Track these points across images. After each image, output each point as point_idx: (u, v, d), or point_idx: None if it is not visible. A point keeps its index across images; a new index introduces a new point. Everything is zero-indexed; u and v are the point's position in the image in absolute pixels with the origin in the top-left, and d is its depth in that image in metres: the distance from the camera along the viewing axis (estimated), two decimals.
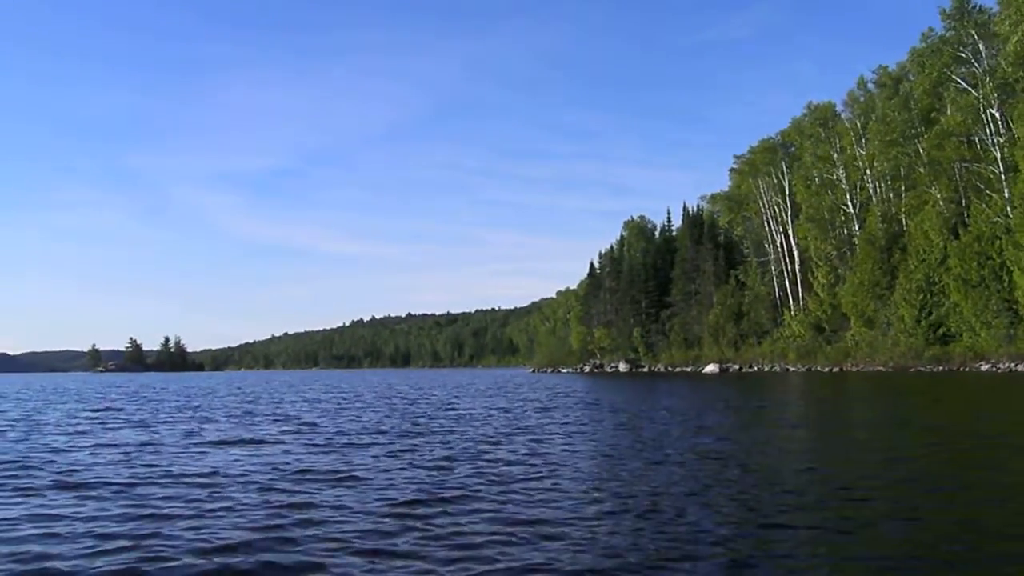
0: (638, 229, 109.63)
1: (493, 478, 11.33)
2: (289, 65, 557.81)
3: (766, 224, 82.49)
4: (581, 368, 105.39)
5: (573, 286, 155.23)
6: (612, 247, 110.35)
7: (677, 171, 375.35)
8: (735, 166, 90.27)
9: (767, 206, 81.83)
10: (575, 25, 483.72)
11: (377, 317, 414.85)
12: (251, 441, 17.28)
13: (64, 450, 15.87)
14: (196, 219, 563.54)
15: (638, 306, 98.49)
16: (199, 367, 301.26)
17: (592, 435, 17.52)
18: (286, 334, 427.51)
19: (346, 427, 20.89)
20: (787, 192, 79.09)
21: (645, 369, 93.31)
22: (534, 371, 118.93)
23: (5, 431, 20.82)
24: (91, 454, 15.13)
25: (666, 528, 7.89)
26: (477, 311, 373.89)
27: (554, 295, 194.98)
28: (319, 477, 11.68)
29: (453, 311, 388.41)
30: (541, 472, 11.85)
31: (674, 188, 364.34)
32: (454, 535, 7.77)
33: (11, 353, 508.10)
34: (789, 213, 78.67)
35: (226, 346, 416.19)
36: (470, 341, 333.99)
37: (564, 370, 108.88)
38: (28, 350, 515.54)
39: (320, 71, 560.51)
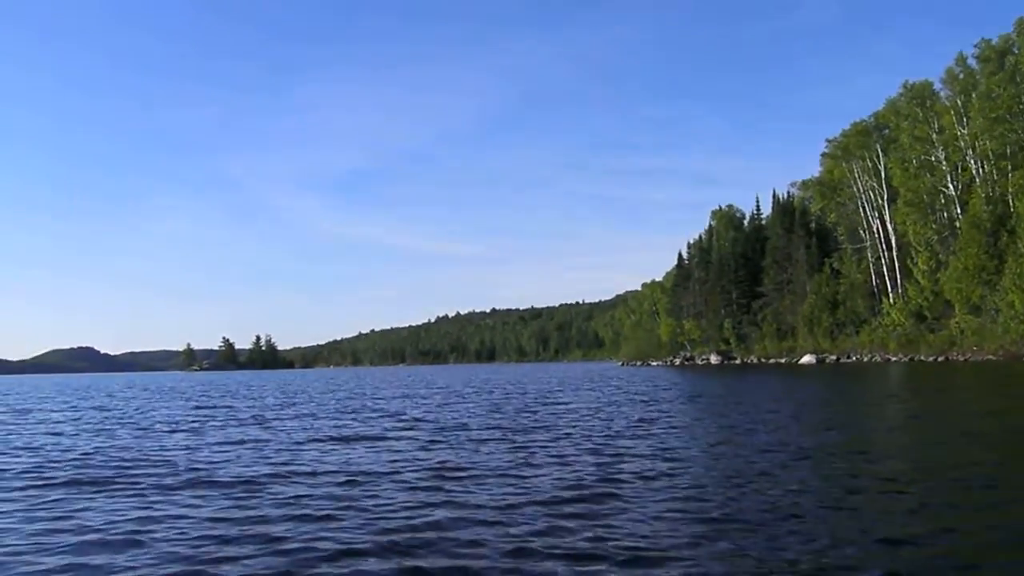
0: (727, 218, 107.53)
1: (632, 474, 11.15)
2: (371, 65, 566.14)
3: (861, 209, 79.86)
4: (671, 361, 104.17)
5: (659, 278, 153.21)
6: (700, 237, 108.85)
7: (764, 159, 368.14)
8: (827, 151, 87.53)
9: (862, 191, 79.25)
10: (657, 13, 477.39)
11: (462, 313, 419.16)
12: (369, 437, 17.50)
13: (189, 448, 16.31)
14: (285, 220, 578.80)
15: (728, 297, 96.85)
16: (289, 365, 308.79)
17: (715, 430, 17.04)
18: (373, 331, 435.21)
19: (457, 422, 21.07)
20: (883, 176, 76.39)
21: (737, 361, 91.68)
22: (623, 364, 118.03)
23: (117, 429, 21.42)
24: (218, 451, 15.50)
25: (846, 527, 7.59)
26: (561, 305, 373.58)
27: (639, 288, 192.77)
28: (458, 474, 11.65)
29: (537, 305, 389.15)
30: (679, 468, 11.63)
31: (760, 176, 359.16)
32: (630, 536, 7.56)
33: (112, 353, 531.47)
34: (885, 197, 76.05)
35: (315, 343, 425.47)
36: (555, 335, 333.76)
37: (654, 363, 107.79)
38: (126, 350, 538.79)
39: (401, 69, 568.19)
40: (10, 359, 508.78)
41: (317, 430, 19.81)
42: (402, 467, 12.46)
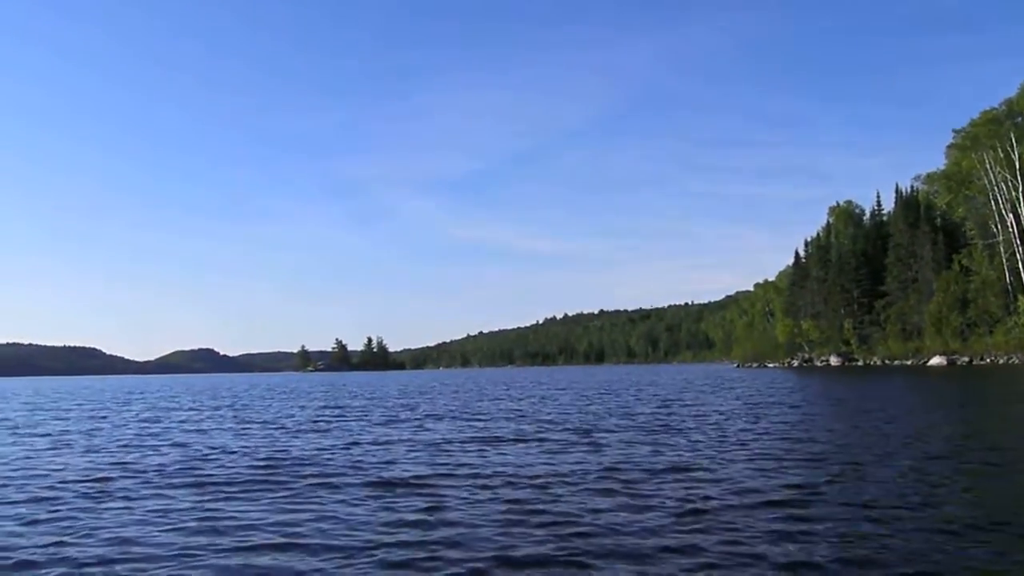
0: (845, 215, 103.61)
1: (829, 477, 11.06)
2: (484, 69, 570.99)
3: (992, 202, 75.89)
4: (788, 362, 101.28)
5: (771, 278, 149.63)
6: (818, 234, 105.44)
7: (881, 153, 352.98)
8: (954, 141, 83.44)
9: (994, 182, 75.27)
10: (766, 9, 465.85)
11: (570, 314, 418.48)
12: (517, 439, 17.54)
13: (342, 447, 16.71)
14: (400, 223, 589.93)
15: (849, 296, 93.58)
16: (400, 366, 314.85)
17: (878, 437, 16.20)
18: (481, 333, 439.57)
19: (596, 423, 21.06)
20: (1017, 166, 72.44)
21: (859, 363, 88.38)
22: (738, 366, 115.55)
23: (252, 430, 21.94)
24: (373, 451, 15.77)
25: None
26: (671, 306, 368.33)
27: (751, 288, 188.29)
28: (637, 475, 11.65)
29: (646, 306, 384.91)
30: (852, 473, 11.34)
31: (878, 172, 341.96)
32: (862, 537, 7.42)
33: (230, 354, 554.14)
34: (1020, 189, 72.11)
35: (424, 345, 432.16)
36: (664, 337, 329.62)
37: (770, 365, 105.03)
38: (244, 351, 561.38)
39: (513, 73, 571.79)
40: (136, 360, 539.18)
41: (462, 431, 20.10)
42: (569, 468, 12.46)
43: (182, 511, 9.80)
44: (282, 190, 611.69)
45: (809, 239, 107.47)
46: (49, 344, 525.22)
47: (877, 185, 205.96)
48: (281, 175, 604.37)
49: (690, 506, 9.29)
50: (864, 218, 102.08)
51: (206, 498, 10.69)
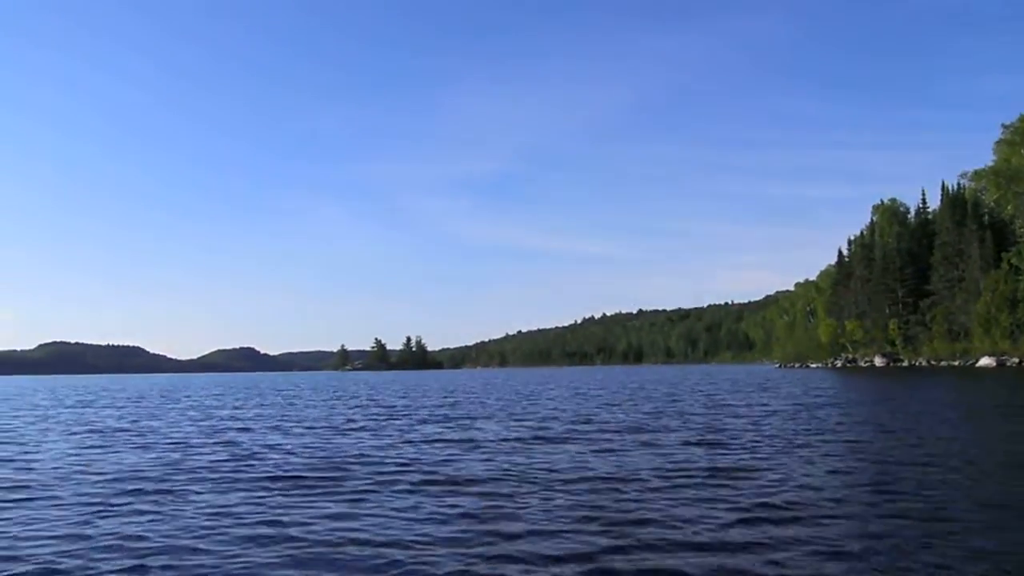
0: (889, 213, 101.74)
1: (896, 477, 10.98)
2: (509, 72, 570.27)
3: None
4: (831, 363, 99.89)
5: (813, 277, 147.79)
6: (862, 233, 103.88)
7: (921, 151, 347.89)
8: (1003, 137, 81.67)
9: None
10: (811, 3, 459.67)
11: (608, 314, 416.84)
12: (568, 438, 17.57)
13: (392, 445, 16.91)
14: (431, 224, 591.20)
15: (893, 296, 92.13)
16: (438, 365, 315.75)
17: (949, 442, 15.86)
18: (520, 332, 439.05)
19: (650, 422, 20.91)
20: None
21: (904, 363, 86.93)
22: (780, 366, 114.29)
23: (304, 428, 22.04)
24: (429, 450, 15.84)
25: None
26: (710, 306, 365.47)
27: (791, 288, 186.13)
28: (701, 475, 11.70)
29: (685, 306, 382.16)
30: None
31: (919, 170, 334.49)
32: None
33: (271, 353, 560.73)
34: None
35: (463, 344, 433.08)
36: (704, 337, 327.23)
37: (812, 365, 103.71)
38: (284, 351, 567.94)
39: (540, 74, 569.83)
40: (179, 358, 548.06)
41: (512, 429, 20.20)
42: (661, 469, 12.35)
43: (251, 507, 10.00)
44: (317, 192, 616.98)
45: (852, 238, 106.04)
46: (95, 343, 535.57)
47: (920, 183, 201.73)
48: (315, 180, 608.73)
49: (761, 502, 9.29)
50: (909, 216, 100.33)
51: (272, 495, 10.80)
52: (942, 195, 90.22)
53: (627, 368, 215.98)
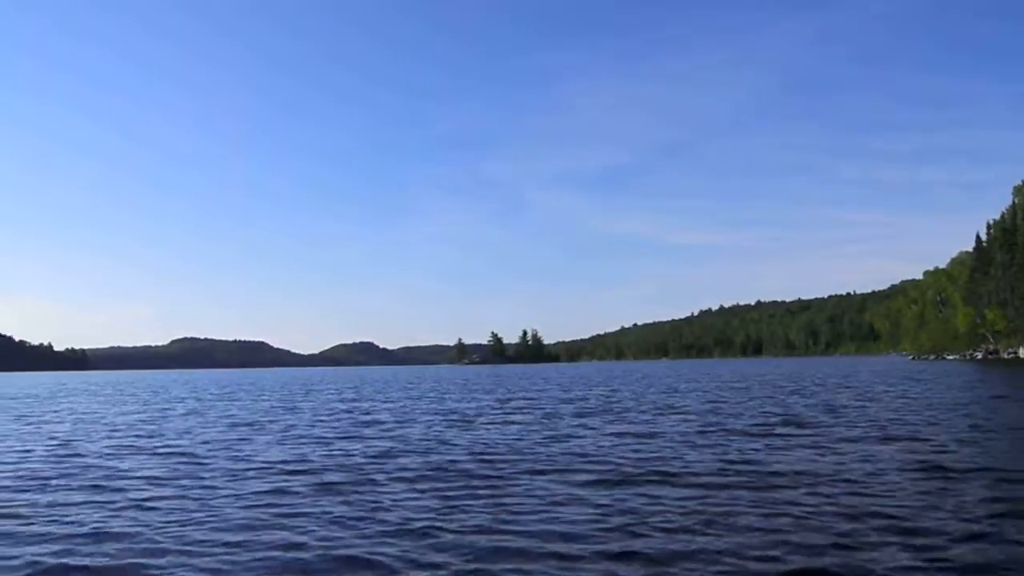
0: None
1: None
2: (625, 63, 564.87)
3: None
4: (970, 355, 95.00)
5: (942, 264, 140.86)
6: (1002, 216, 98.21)
7: None
8: None
9: None
10: None
11: (726, 306, 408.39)
12: (730, 432, 17.53)
13: (541, 440, 17.19)
14: (547, 218, 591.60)
15: None
16: (555, 359, 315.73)
17: None
18: (635, 325, 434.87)
19: (811, 418, 20.55)
20: None
21: None
22: (914, 358, 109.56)
23: (448, 422, 22.26)
24: (577, 444, 16.26)
25: None
26: (831, 296, 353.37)
27: (918, 276, 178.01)
28: (894, 473, 11.39)
29: (805, 297, 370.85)
30: None
31: None
32: None
33: (389, 348, 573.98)
34: None
35: (578, 338, 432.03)
36: (825, 328, 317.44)
37: (949, 357, 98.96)
38: (402, 345, 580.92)
39: (656, 64, 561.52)
40: (301, 353, 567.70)
41: (673, 423, 20.22)
42: (805, 465, 12.24)
43: (426, 497, 10.35)
44: (436, 189, 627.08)
45: (992, 222, 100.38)
46: (223, 339, 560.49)
47: None
48: (434, 175, 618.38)
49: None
50: None
51: (438, 487, 10.82)
52: None
53: (749, 361, 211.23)
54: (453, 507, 9.61)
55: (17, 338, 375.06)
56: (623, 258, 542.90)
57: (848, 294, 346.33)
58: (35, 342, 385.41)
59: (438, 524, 8.60)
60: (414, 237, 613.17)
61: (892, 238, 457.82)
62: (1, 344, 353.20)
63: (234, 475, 12.67)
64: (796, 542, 7.39)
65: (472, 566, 7.03)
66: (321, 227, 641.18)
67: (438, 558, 7.28)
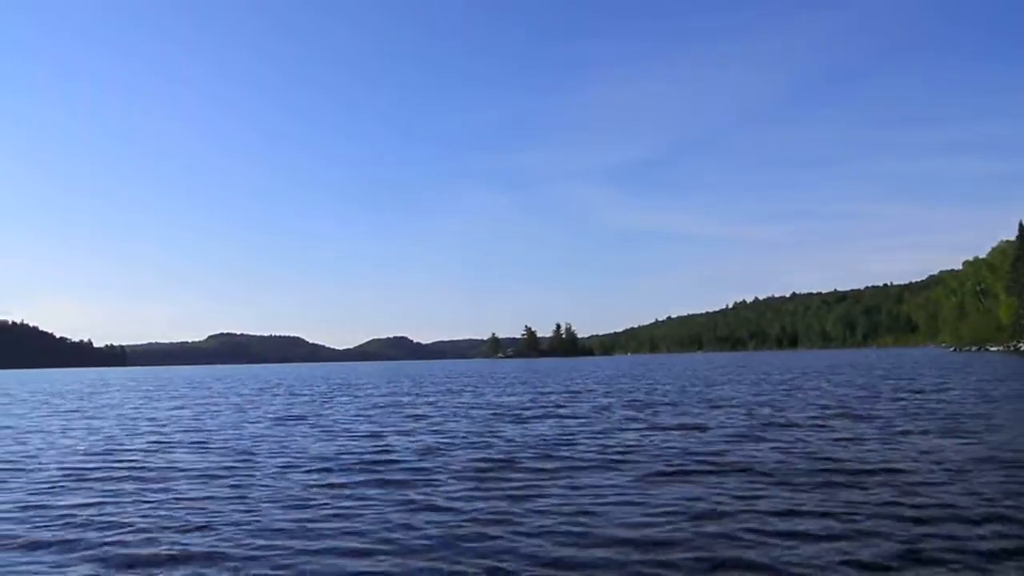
0: None
1: None
2: (659, 56, 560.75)
3: None
4: (1015, 346, 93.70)
5: (982, 254, 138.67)
6: None
7: None
8: None
9: None
10: None
11: (760, 298, 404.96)
12: (789, 424, 17.66)
13: (590, 434, 17.26)
14: (580, 211, 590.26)
15: None
16: (588, 352, 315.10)
17: None
18: (669, 318, 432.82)
19: (868, 411, 20.51)
20: None
21: None
22: (955, 350, 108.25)
23: (493, 415, 22.55)
24: (622, 438, 16.44)
25: None
26: (868, 287, 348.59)
27: (957, 267, 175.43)
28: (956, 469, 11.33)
29: (841, 288, 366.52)
30: None
31: None
32: None
33: (423, 342, 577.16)
34: None
35: (612, 331, 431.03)
36: (862, 320, 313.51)
37: (992, 348, 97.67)
38: (436, 339, 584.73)
39: (686, 57, 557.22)
40: (336, 347, 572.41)
41: (717, 419, 20.10)
42: (863, 459, 12.34)
43: (480, 490, 10.71)
44: (468, 182, 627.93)
45: None
46: (260, 334, 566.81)
47: None
48: (467, 168, 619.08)
49: None
50: None
51: (492, 481, 11.44)
52: None
53: (783, 353, 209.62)
54: (522, 498, 9.89)
55: (58, 335, 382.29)
56: (658, 250, 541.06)
57: (885, 285, 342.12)
58: (75, 339, 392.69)
59: (510, 518, 8.80)
60: (446, 231, 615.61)
61: (928, 229, 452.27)
62: (42, 342, 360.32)
63: (286, 468, 13.01)
64: (888, 533, 7.67)
65: (554, 555, 7.28)
66: (354, 222, 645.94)
67: (522, 549, 7.50)
